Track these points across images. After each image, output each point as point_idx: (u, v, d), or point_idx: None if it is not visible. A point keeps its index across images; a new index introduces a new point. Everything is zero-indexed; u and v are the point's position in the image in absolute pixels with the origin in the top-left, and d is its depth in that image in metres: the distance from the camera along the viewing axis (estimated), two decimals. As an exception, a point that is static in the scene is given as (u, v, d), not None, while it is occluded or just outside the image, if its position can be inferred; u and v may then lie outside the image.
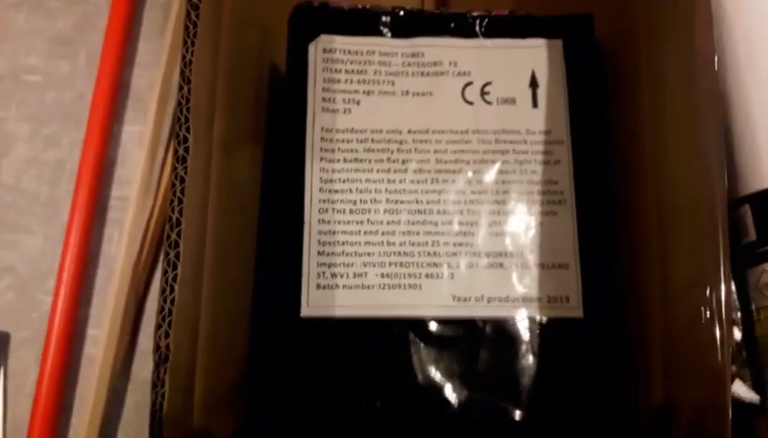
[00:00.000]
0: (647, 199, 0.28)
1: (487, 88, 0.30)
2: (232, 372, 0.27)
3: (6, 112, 0.38)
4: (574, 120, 0.30)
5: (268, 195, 0.30)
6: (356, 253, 0.29)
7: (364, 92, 0.30)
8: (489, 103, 0.30)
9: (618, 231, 0.30)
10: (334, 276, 0.28)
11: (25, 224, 0.36)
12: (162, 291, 0.23)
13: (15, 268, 0.36)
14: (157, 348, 0.23)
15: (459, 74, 0.31)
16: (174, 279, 0.23)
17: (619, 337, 0.28)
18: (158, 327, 0.23)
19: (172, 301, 0.23)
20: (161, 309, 0.23)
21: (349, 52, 0.31)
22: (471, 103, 0.30)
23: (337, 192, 0.29)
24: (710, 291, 0.24)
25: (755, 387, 0.28)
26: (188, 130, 0.24)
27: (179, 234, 0.23)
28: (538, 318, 0.28)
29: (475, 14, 0.31)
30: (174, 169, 0.24)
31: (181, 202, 0.23)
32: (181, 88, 0.25)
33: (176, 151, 0.24)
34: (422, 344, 0.28)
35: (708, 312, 0.24)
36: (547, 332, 0.28)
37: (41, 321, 0.34)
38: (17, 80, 0.38)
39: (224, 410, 0.26)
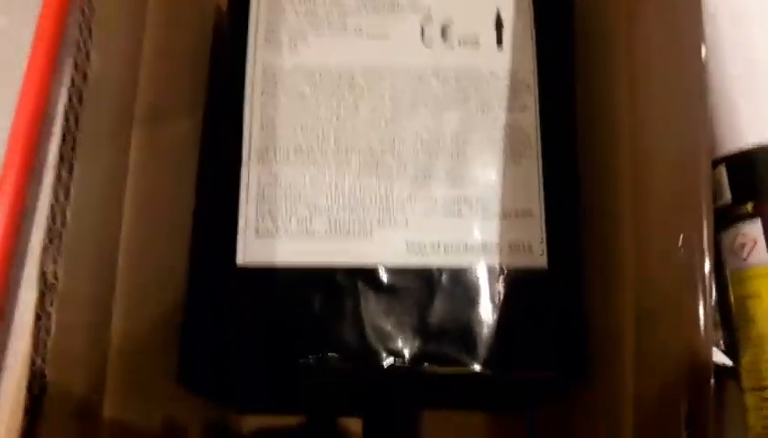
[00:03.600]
0: (619, 153, 0.26)
1: (447, 27, 0.28)
2: (161, 316, 0.25)
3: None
4: (541, 64, 0.28)
5: (207, 134, 0.28)
6: (300, 197, 0.26)
7: (312, 28, 0.28)
8: (449, 42, 0.28)
9: (587, 186, 0.28)
10: (275, 221, 0.26)
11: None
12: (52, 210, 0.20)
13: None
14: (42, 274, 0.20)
15: (417, 11, 0.28)
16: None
17: (584, 293, 0.26)
18: (44, 250, 0.20)
19: (63, 224, 0.20)
20: (49, 230, 0.20)
21: (297, -13, 0.28)
22: (429, 42, 0.28)
23: (279, 131, 0.27)
24: (694, 252, 0.22)
25: (727, 351, 0.27)
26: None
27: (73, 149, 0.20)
28: (498, 267, 0.26)
29: (435, -52, 0.29)
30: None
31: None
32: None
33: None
34: (372, 294, 0.25)
35: (691, 275, 0.22)
36: (508, 282, 0.26)
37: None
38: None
39: (151, 354, 0.24)
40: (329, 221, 0.26)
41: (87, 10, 0.22)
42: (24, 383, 0.20)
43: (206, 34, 0.29)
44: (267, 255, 0.25)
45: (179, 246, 0.26)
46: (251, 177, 0.26)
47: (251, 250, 0.25)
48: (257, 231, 0.26)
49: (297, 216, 0.26)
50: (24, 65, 0.34)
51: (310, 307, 0.25)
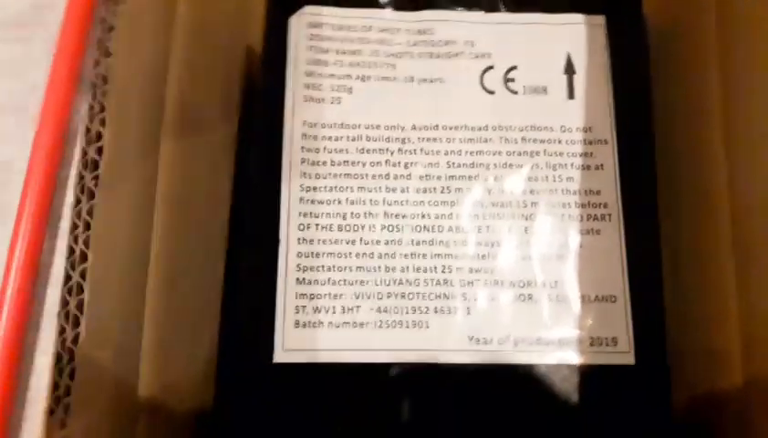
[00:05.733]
0: (716, 212, 0.23)
1: (512, 74, 0.25)
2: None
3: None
4: (619, 116, 0.25)
5: (238, 207, 0.25)
6: (345, 281, 0.23)
7: (358, 78, 0.24)
8: (514, 92, 0.25)
9: (672, 257, 0.24)
10: (317, 310, 0.22)
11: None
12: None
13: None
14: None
15: (477, 56, 0.25)
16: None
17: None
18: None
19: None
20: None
21: (341, 28, 0.25)
22: (491, 92, 0.25)
23: (321, 203, 0.23)
24: None
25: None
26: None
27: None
28: (579, 364, 0.22)
29: (498, -17, 0.26)
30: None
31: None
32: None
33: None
34: (431, 396, 0.22)
35: None
36: (590, 382, 0.22)
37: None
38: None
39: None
40: (379, 309, 0.22)
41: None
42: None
43: (235, 83, 0.25)
44: (309, 350, 0.22)
45: (209, 334, 0.23)
46: (289, 259, 0.23)
47: (290, 344, 0.22)
48: (297, 321, 0.22)
49: (342, 303, 0.23)
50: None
51: (360, 413, 0.22)
